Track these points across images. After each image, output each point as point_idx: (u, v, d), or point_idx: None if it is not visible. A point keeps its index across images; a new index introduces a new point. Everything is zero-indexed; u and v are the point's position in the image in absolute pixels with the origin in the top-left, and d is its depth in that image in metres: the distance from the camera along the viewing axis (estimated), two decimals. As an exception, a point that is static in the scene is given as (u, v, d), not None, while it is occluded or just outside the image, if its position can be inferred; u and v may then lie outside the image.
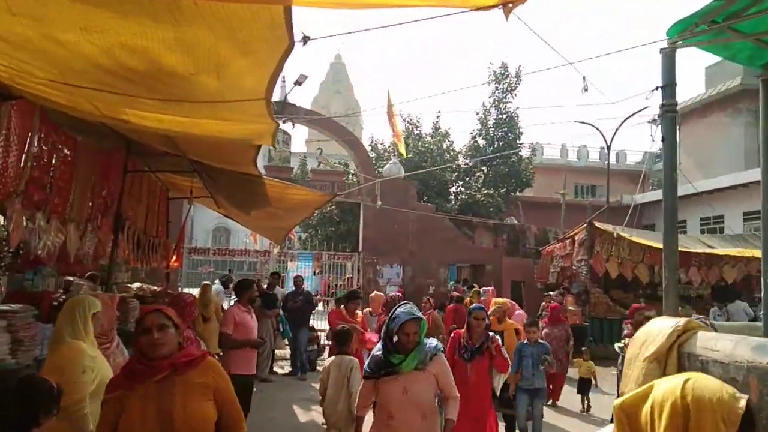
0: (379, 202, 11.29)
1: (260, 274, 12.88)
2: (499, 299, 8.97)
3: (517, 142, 23.04)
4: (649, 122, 31.02)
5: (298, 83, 11.49)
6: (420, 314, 3.34)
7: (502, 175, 22.43)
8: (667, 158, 4.98)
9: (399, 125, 12.87)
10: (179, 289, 11.82)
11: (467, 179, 23.05)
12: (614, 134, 17.57)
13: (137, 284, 8.85)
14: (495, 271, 14.53)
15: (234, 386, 5.53)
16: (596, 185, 33.33)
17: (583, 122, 15.96)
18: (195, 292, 11.05)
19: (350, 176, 18.02)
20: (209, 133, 3.85)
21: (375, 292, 8.55)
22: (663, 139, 5.02)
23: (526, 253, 15.82)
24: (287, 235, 9.79)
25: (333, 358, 4.94)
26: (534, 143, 24.43)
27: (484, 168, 22.94)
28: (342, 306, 6.21)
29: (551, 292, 10.87)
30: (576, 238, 13.61)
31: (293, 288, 10.70)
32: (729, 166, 24.87)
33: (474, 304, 4.61)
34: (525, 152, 23.83)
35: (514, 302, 8.39)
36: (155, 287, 8.77)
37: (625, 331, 7.87)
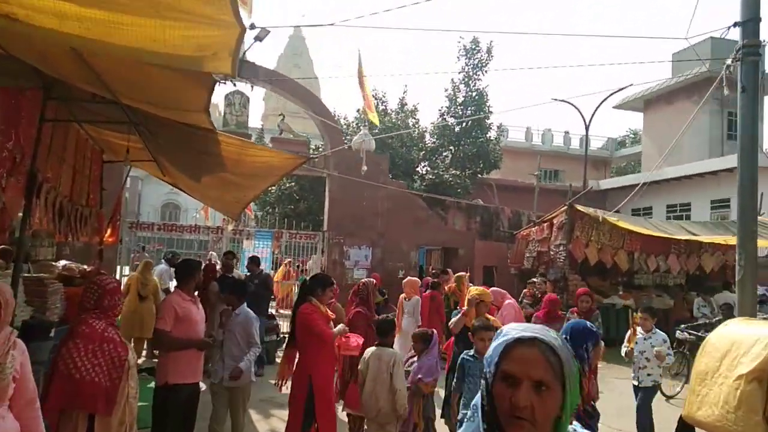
0: (365, 167, 10.12)
1: (211, 253, 11.59)
2: (477, 288, 7.82)
3: (487, 121, 22.18)
4: (614, 107, 30.78)
5: (258, 39, 10.14)
6: (556, 340, 1.37)
7: (470, 156, 21.56)
8: (747, 114, 3.87)
9: (369, 91, 11.66)
10: (117, 268, 10.41)
11: (434, 158, 22.07)
12: (594, 112, 16.81)
13: (63, 262, 7.50)
14: (467, 254, 13.61)
15: (174, 398, 4.36)
16: (559, 170, 33.01)
17: (560, 100, 15.09)
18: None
19: (313, 150, 16.77)
20: (137, 44, 2.62)
21: (408, 277, 8.11)
22: (743, 89, 4.00)
23: (499, 237, 14.97)
24: (244, 210, 8.52)
25: (373, 349, 4.69)
26: (500, 124, 23.55)
27: (451, 147, 22.02)
28: (312, 299, 4.67)
29: (534, 279, 9.97)
30: (554, 221, 12.81)
31: (247, 270, 9.48)
32: (694, 154, 24.78)
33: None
34: (493, 133, 22.99)
35: (503, 290, 7.35)
36: (86, 266, 7.43)
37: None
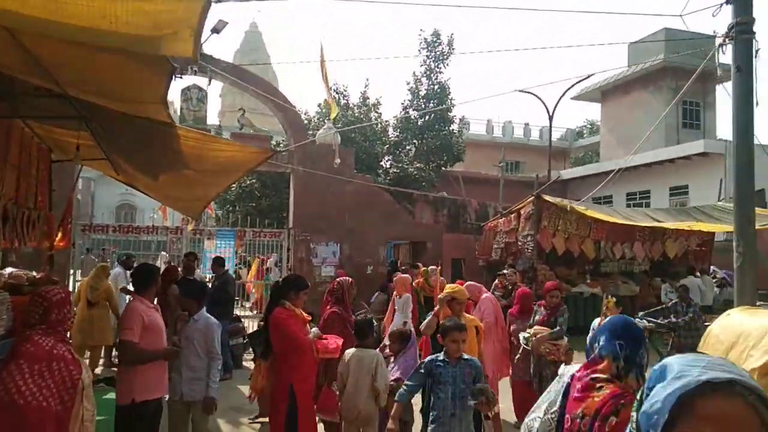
0: (338, 160, 9.81)
1: (162, 253, 11.07)
2: (453, 285, 7.44)
3: (449, 114, 22.09)
4: (572, 98, 31.14)
5: (215, 31, 9.70)
6: (749, 378, 0.89)
7: (434, 149, 21.43)
8: (741, 95, 3.70)
9: (331, 83, 11.34)
10: (69, 274, 9.84)
11: (398, 152, 21.86)
12: (557, 103, 16.87)
13: (9, 269, 6.96)
14: (435, 248, 13.45)
15: (141, 416, 3.97)
16: (521, 161, 33.26)
17: (524, 90, 15.05)
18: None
19: (275, 146, 16.30)
20: (84, 21, 2.29)
21: (399, 274, 7.85)
22: (738, 69, 3.79)
23: (466, 229, 14.86)
24: (205, 209, 8.10)
25: (353, 350, 4.56)
26: (462, 117, 23.50)
27: (415, 141, 21.87)
28: (286, 302, 4.32)
29: (505, 270, 9.85)
30: (522, 211, 12.75)
31: (211, 272, 9.08)
32: (650, 142, 25.31)
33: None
34: (456, 126, 22.93)
35: (479, 284, 7.10)
36: (35, 273, 6.91)
37: (537, 316, 6.30)
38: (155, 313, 4.00)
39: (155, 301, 4.61)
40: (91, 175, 51.40)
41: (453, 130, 22.28)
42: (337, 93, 22.39)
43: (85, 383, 2.76)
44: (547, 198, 12.15)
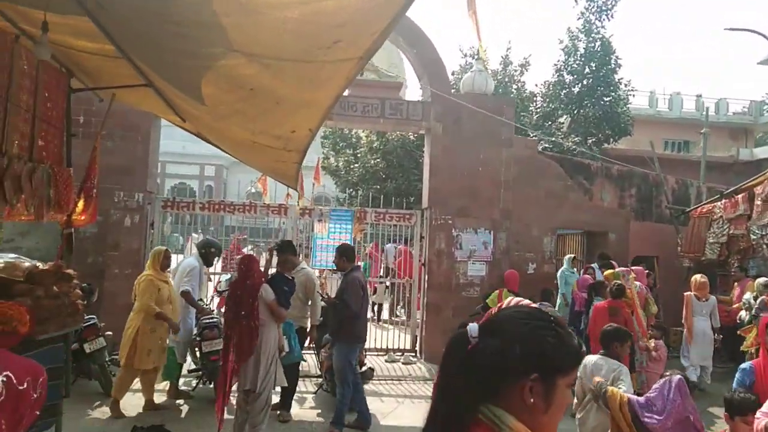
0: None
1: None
2: None
3: (614, 77, 17.93)
4: (759, 63, 25.35)
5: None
6: None
7: (593, 120, 17.45)
8: None
9: (480, 19, 8.19)
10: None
11: (548, 124, 18.11)
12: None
13: (10, 256, 4.61)
14: (620, 240, 9.79)
15: None
16: (690, 141, 27.82)
17: (737, 29, 10.93)
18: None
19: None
20: None
21: (697, 275, 6.53)
22: None
23: (661, 216, 10.98)
24: (299, 167, 5.07)
25: (596, 358, 4.05)
26: (629, 81, 19.03)
27: (570, 111, 18.00)
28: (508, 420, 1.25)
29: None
30: (758, 191, 8.77)
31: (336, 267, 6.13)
32: None
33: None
34: (623, 91, 18.66)
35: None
36: (41, 264, 4.50)
37: None
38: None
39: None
40: (223, 162, 52.02)
41: (620, 95, 18.07)
42: (472, 58, 19.09)
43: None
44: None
